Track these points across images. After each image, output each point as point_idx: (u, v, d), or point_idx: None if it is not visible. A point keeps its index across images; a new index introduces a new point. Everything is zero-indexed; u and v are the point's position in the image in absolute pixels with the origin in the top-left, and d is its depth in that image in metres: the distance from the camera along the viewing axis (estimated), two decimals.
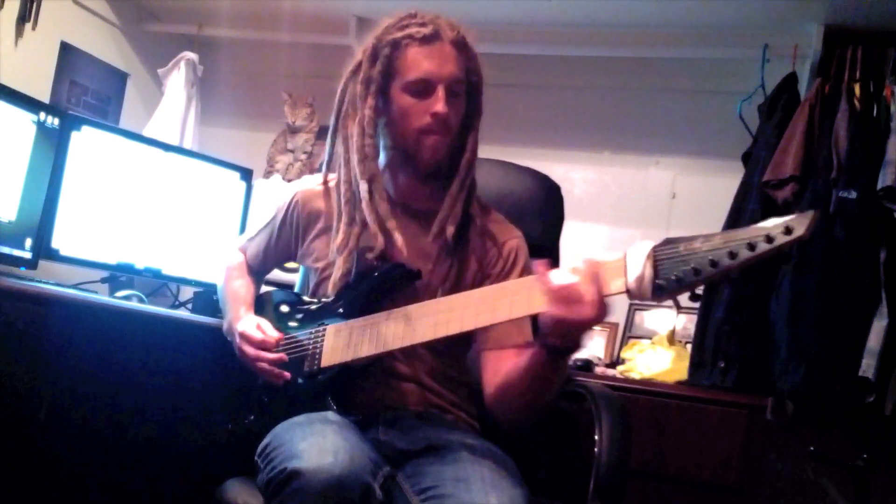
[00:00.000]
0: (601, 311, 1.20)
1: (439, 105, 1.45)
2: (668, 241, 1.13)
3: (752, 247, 1.05)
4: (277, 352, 1.51)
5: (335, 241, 1.52)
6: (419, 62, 1.45)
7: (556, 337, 1.28)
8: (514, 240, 1.59)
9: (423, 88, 1.46)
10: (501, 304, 1.30)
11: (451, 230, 1.48)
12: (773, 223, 1.06)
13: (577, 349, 1.32)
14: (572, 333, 1.27)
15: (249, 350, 1.51)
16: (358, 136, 1.50)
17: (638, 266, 1.14)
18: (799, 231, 1.03)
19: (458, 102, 1.49)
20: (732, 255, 1.06)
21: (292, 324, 1.56)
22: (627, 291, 1.16)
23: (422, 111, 1.46)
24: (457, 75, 1.47)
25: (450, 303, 1.36)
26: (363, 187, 1.49)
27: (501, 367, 1.46)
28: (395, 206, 1.55)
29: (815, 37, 2.49)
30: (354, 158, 1.50)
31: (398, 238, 1.47)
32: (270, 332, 1.52)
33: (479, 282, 1.53)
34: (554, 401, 1.48)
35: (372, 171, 1.49)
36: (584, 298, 1.19)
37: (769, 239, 1.05)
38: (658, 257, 1.13)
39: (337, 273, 1.51)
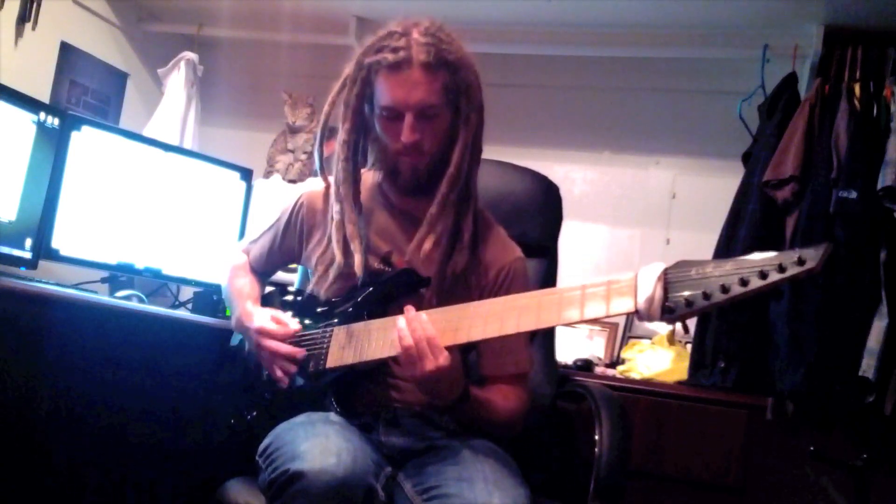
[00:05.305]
0: (437, 361, 1.28)
1: (405, 134, 1.44)
2: (680, 264, 1.14)
3: (763, 275, 1.06)
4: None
5: (316, 252, 1.56)
6: (387, 90, 1.45)
7: (425, 395, 1.37)
8: (508, 263, 1.56)
9: (393, 115, 1.46)
10: (510, 316, 1.28)
11: (426, 248, 1.47)
12: (785, 253, 1.06)
13: (448, 397, 1.36)
14: (427, 387, 1.33)
15: (269, 343, 1.50)
16: (337, 159, 1.54)
17: (648, 287, 1.13)
18: (811, 263, 1.04)
19: (433, 123, 1.46)
20: (744, 281, 1.07)
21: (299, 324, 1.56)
22: (636, 312, 1.16)
23: (395, 135, 1.47)
24: (425, 101, 1.44)
25: (455, 312, 1.35)
26: (335, 209, 1.53)
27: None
28: (397, 213, 1.57)
29: (815, 37, 2.48)
30: (333, 179, 1.55)
31: (357, 259, 1.49)
32: (288, 322, 1.52)
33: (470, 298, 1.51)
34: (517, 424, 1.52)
35: (346, 193, 1.52)
36: (419, 355, 1.29)
37: (781, 269, 1.05)
38: (669, 279, 1.13)
39: (322, 285, 1.54)
